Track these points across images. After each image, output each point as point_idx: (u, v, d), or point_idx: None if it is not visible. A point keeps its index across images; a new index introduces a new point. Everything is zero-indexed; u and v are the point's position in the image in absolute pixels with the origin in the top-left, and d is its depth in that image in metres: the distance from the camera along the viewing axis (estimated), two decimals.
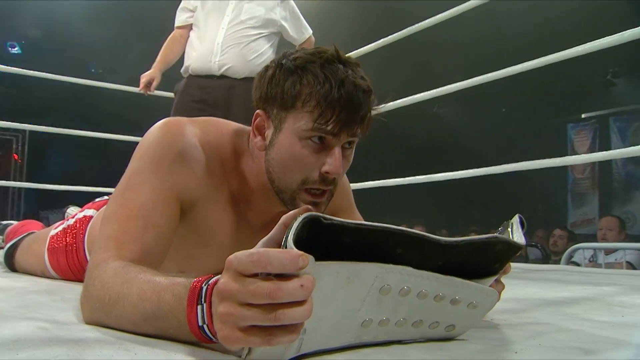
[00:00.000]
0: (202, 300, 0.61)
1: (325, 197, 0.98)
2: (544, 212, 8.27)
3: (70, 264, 1.41)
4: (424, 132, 8.65)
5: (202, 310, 0.60)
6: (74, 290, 1.18)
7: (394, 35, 2.82)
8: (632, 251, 3.55)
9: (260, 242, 0.63)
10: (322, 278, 0.54)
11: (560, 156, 2.07)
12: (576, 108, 8.43)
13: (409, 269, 0.62)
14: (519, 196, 7.83)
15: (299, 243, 0.53)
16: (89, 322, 0.79)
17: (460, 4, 2.43)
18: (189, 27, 2.94)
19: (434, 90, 2.53)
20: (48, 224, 1.89)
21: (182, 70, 2.89)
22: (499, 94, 7.18)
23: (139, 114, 3.14)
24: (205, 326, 0.60)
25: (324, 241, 0.56)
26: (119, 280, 0.74)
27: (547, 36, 5.38)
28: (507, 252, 0.71)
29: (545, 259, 4.74)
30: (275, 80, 0.93)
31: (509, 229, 0.81)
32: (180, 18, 2.98)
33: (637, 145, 1.72)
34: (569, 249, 3.34)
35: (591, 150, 8.19)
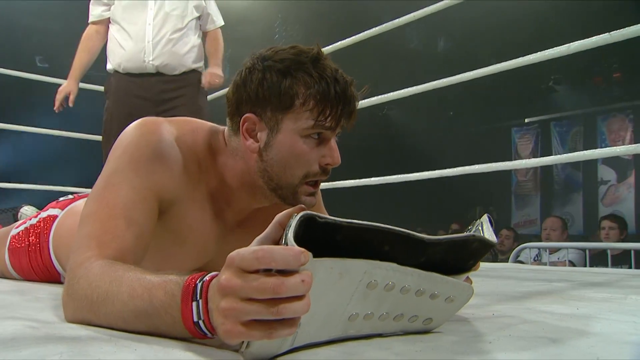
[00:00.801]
0: (198, 296, 0.62)
1: (318, 187, 1.03)
2: (489, 213, 8.52)
3: (33, 265, 1.37)
4: (373, 133, 8.77)
5: (198, 306, 0.62)
6: (44, 290, 1.16)
7: (351, 38, 2.84)
8: (574, 250, 3.72)
9: (256, 240, 0.65)
10: (317, 274, 0.57)
11: (505, 158, 2.14)
12: (520, 113, 8.77)
13: (395, 265, 0.65)
14: (464, 197, 8.06)
15: (295, 240, 0.56)
16: (72, 321, 0.78)
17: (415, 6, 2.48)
18: (105, 22, 2.75)
19: (385, 95, 2.54)
20: None
21: (108, 68, 2.72)
22: (447, 98, 7.38)
23: (82, 108, 2.99)
24: (201, 322, 0.62)
25: (318, 238, 0.59)
26: (107, 279, 0.74)
27: (500, 40, 5.57)
28: (482, 250, 0.76)
29: (493, 258, 4.91)
30: (267, 83, 0.94)
31: (480, 228, 0.86)
32: (95, 12, 2.76)
33: (577, 149, 1.81)
34: (517, 248, 3.45)
35: (534, 153, 8.53)
